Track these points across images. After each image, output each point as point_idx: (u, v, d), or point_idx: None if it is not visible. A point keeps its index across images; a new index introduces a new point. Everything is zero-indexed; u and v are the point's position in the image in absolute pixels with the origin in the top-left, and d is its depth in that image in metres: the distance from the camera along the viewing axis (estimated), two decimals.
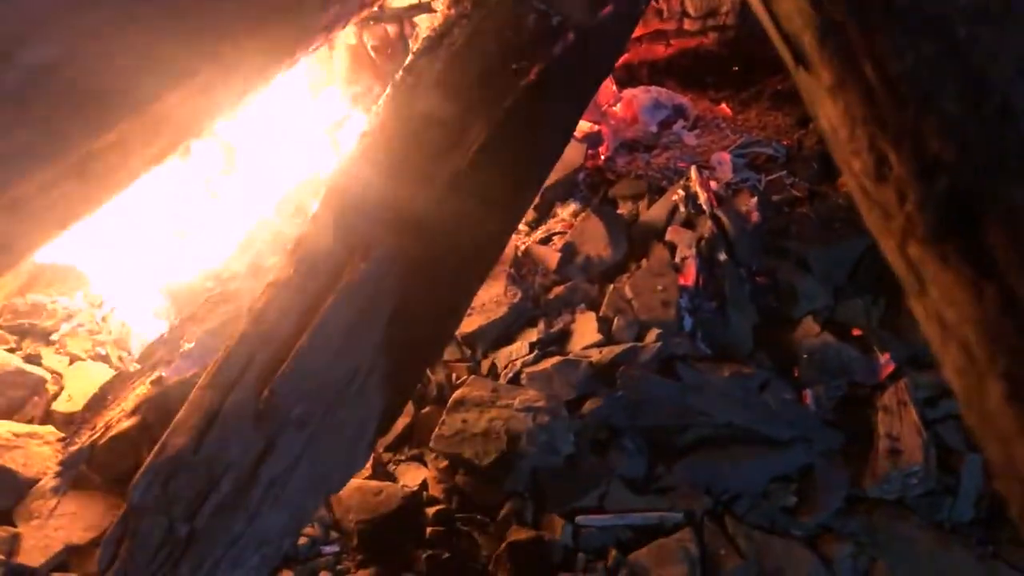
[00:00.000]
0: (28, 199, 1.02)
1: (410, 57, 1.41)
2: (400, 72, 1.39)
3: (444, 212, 1.24)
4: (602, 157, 1.93)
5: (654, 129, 1.99)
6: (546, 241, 1.75)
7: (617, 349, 1.43)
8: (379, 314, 1.18)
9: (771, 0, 0.70)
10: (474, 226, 1.30)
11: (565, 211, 1.83)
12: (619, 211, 1.80)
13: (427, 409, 1.47)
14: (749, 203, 1.71)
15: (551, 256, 1.64)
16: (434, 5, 1.98)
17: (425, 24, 2.03)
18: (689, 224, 1.67)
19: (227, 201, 1.69)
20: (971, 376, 0.51)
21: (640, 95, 1.99)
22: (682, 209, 1.67)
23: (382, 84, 2.08)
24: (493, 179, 1.30)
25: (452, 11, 1.43)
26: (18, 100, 1.00)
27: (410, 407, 1.46)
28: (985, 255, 0.51)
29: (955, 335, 0.52)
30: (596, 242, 1.65)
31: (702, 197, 1.65)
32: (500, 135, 1.31)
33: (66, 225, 1.24)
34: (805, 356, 1.49)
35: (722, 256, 1.58)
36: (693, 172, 1.69)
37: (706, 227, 1.63)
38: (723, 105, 2.14)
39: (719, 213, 1.63)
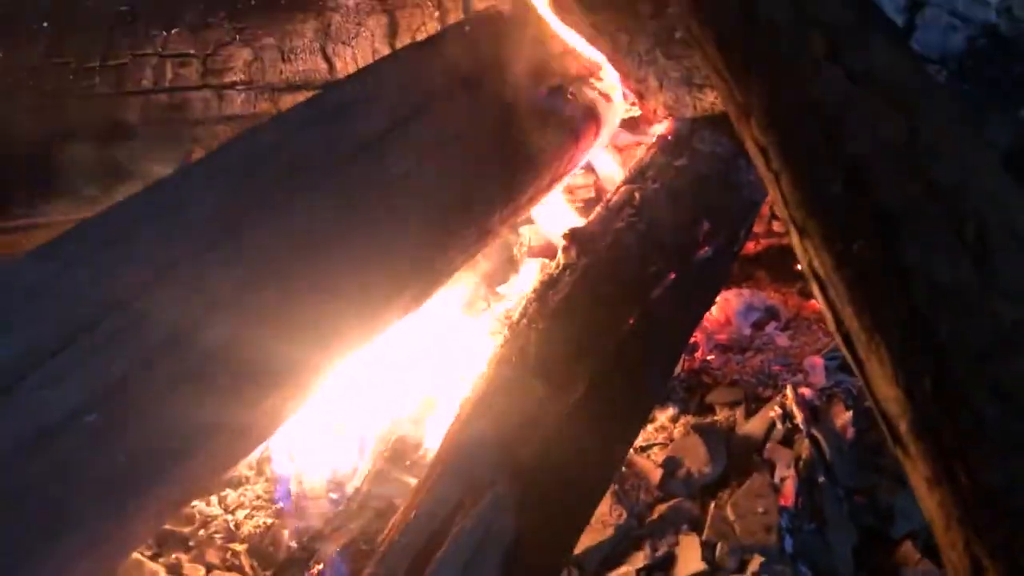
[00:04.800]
0: (203, 461, 1.17)
1: (524, 301, 1.54)
2: (516, 315, 1.52)
3: (552, 455, 1.35)
4: (697, 360, 2.03)
5: (747, 331, 2.08)
6: (646, 449, 1.84)
7: None
8: (493, 554, 1.27)
9: (869, 376, 0.80)
10: (582, 465, 1.40)
11: (663, 415, 1.92)
12: (716, 417, 1.89)
13: None
14: (844, 417, 1.77)
15: (654, 472, 1.73)
16: (534, 218, 2.15)
17: (528, 234, 2.19)
18: (787, 440, 1.74)
19: (354, 412, 1.83)
20: None
21: (733, 299, 2.10)
22: (779, 426, 1.75)
23: (488, 286, 2.23)
24: (598, 422, 1.41)
25: (562, 258, 1.57)
26: (198, 381, 1.16)
27: None
28: None
29: None
30: (696, 458, 1.74)
31: (798, 417, 1.72)
32: (603, 380, 1.42)
33: (227, 472, 1.39)
34: None
35: (820, 478, 1.64)
36: (789, 391, 1.77)
37: (803, 445, 1.70)
38: (813, 301, 2.22)
39: (815, 433, 1.70)
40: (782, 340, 2.06)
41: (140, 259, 1.20)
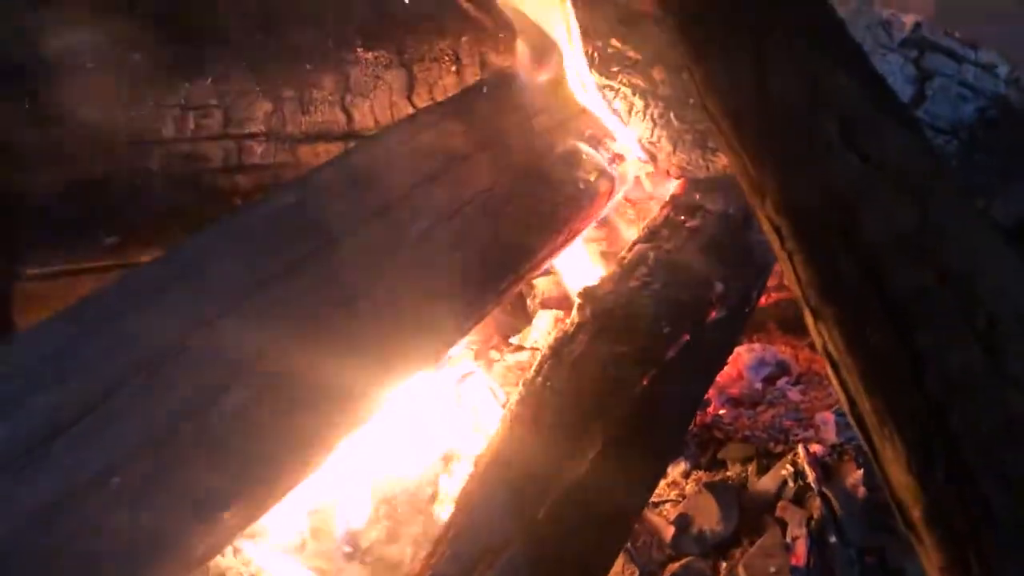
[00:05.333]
0: (224, 521, 1.19)
1: (539, 358, 1.56)
2: (531, 371, 1.54)
3: (567, 516, 1.36)
4: (709, 415, 2.04)
5: (759, 386, 2.10)
6: (658, 506, 1.85)
7: None
8: None
9: (882, 462, 0.81)
10: (597, 526, 1.41)
11: (675, 471, 1.93)
12: (728, 473, 1.90)
13: None
14: (855, 475, 1.78)
15: (666, 529, 1.74)
16: (551, 270, 2.17)
17: (541, 285, 2.21)
18: (799, 499, 1.75)
19: (369, 466, 1.85)
20: None
21: (745, 353, 2.11)
22: (791, 484, 1.76)
23: (501, 336, 2.25)
24: (612, 483, 1.42)
25: (577, 317, 1.59)
26: (220, 445, 1.18)
27: None
28: None
29: None
30: (708, 516, 1.74)
31: (810, 476, 1.73)
32: (617, 440, 1.43)
33: (244, 529, 1.41)
34: None
35: (832, 538, 1.65)
36: (800, 450, 1.78)
37: (815, 505, 1.71)
38: None
39: (827, 492, 1.71)
40: (794, 395, 2.07)
41: (164, 322, 1.23)
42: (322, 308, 1.34)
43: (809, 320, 0.92)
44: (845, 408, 0.86)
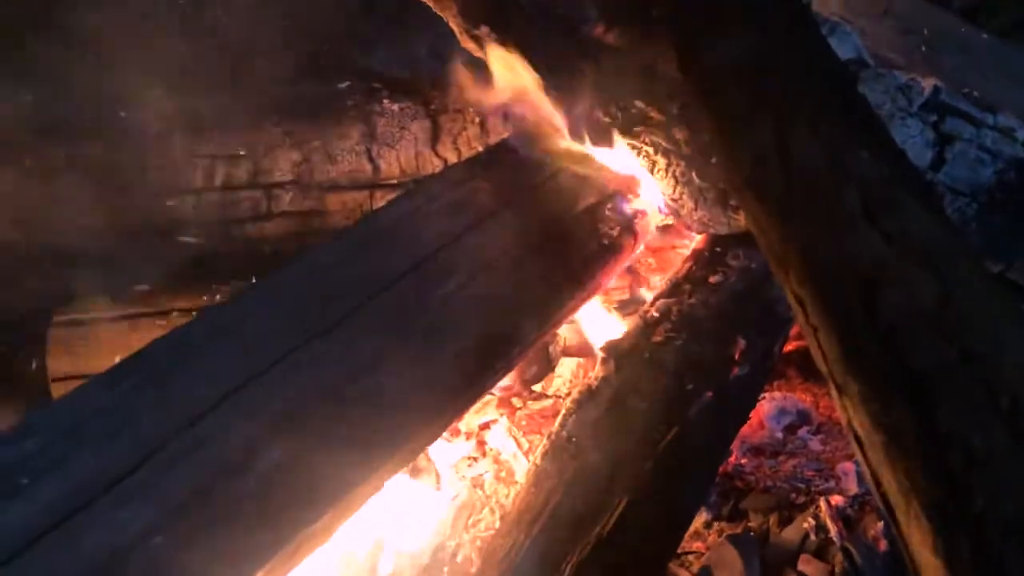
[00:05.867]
0: None
1: (564, 411, 1.59)
2: (556, 426, 1.56)
3: (593, 572, 1.38)
4: (730, 464, 2.05)
5: (780, 435, 2.11)
6: (680, 557, 1.86)
7: None
8: None
9: (908, 540, 0.84)
10: None
11: (698, 521, 1.94)
12: (750, 524, 1.91)
13: None
14: (876, 527, 1.79)
15: None
16: (570, 321, 2.20)
17: (564, 333, 2.24)
18: (821, 551, 1.76)
19: (392, 520, 1.87)
20: None
21: (766, 403, 2.13)
22: (813, 537, 1.77)
23: (523, 384, 2.27)
24: (637, 539, 1.44)
25: (601, 371, 1.61)
26: (257, 503, 1.21)
27: None
28: None
29: None
30: (731, 569, 1.76)
31: (832, 530, 1.74)
32: (641, 496, 1.45)
33: None
34: None
35: None
36: (822, 503, 1.79)
37: (837, 558, 1.72)
38: None
39: (849, 545, 1.72)
40: (815, 444, 2.09)
41: (204, 382, 1.27)
42: (351, 367, 1.37)
43: (835, 394, 0.95)
44: (870, 485, 0.88)
